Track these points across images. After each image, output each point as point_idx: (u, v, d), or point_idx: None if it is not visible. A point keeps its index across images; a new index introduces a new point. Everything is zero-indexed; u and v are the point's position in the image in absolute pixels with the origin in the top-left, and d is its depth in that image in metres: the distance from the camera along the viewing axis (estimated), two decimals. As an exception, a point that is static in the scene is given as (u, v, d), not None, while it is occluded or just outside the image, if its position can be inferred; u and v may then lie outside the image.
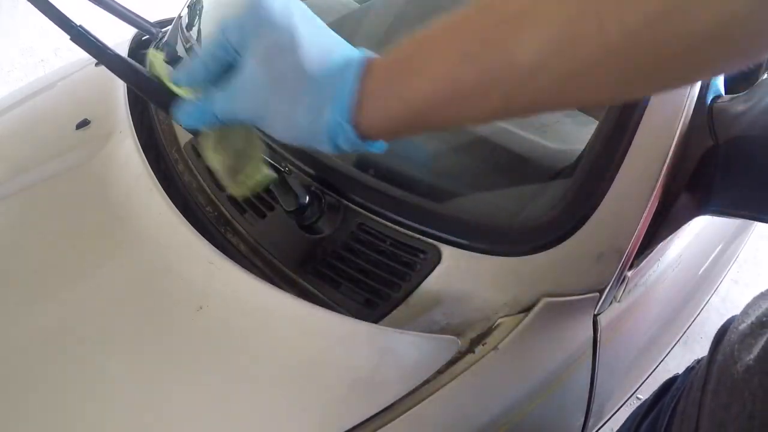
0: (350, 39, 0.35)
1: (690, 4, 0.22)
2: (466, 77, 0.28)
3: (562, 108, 0.34)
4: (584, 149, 0.49)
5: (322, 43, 0.33)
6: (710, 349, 0.34)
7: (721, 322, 0.38)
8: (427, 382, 0.43)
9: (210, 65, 0.35)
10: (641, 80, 0.26)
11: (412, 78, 0.30)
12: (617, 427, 0.56)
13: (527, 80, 0.27)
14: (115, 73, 0.42)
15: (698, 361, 0.38)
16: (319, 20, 0.35)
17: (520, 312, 0.47)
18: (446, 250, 0.48)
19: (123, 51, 0.90)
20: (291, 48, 0.32)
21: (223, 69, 0.36)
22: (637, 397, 1.16)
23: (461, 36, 0.28)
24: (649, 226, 0.48)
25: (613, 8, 0.23)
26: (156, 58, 0.42)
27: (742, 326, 0.31)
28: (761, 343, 0.27)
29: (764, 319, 0.29)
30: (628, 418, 0.53)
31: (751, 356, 0.27)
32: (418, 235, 0.50)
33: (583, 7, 0.24)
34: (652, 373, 0.84)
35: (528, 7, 0.26)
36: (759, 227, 1.36)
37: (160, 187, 0.58)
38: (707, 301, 1.00)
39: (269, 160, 0.46)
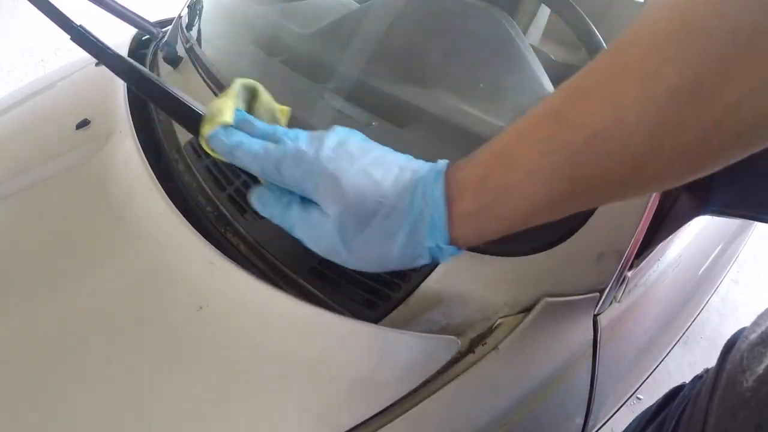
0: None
1: (756, 97, 0.24)
2: (559, 193, 0.29)
3: (652, 192, 0.37)
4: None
5: (394, 171, 0.34)
6: (719, 357, 0.34)
7: (721, 322, 0.38)
8: (427, 382, 0.43)
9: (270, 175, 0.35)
10: (718, 163, 0.28)
11: (505, 200, 0.30)
12: (618, 428, 0.56)
13: (617, 186, 0.28)
14: (115, 73, 0.42)
15: (707, 370, 0.37)
16: (378, 146, 0.35)
17: (520, 312, 0.47)
18: (446, 250, 0.48)
19: (123, 51, 0.90)
20: (371, 189, 0.33)
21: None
22: (637, 397, 1.16)
23: (546, 154, 0.28)
24: (649, 226, 0.48)
25: (689, 115, 0.25)
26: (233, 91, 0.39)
27: (753, 336, 0.31)
28: None
29: None
30: (631, 423, 0.53)
31: (762, 366, 0.27)
32: (418, 235, 0.50)
33: (663, 119, 0.25)
34: (652, 373, 0.85)
35: (609, 125, 0.26)
36: (759, 227, 1.36)
37: (160, 187, 0.58)
38: (707, 302, 1.00)
39: None
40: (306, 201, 0.36)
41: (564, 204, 0.30)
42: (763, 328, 0.31)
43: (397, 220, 0.32)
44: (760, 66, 0.23)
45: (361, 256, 0.34)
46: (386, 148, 0.36)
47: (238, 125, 0.37)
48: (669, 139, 0.26)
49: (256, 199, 0.38)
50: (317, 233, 0.35)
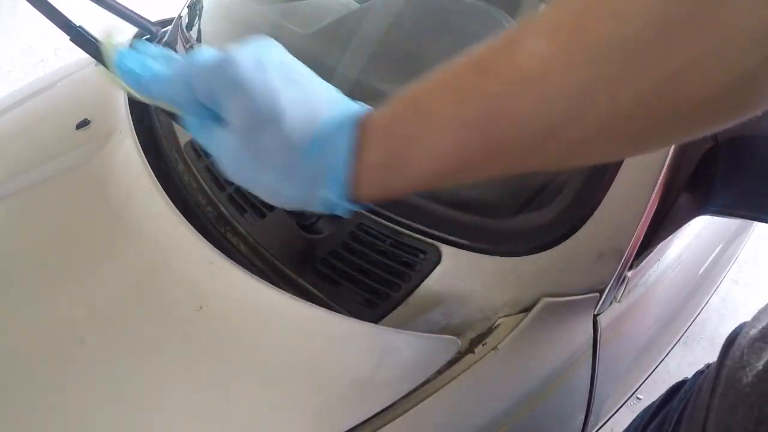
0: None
1: (699, 68, 0.21)
2: (472, 149, 0.27)
3: (572, 166, 0.33)
4: (584, 149, 0.49)
5: (306, 108, 0.30)
6: (720, 353, 0.34)
7: (721, 322, 0.38)
8: (427, 382, 0.43)
9: (181, 96, 0.32)
10: (652, 140, 0.26)
11: (413, 152, 0.28)
12: (618, 428, 0.56)
13: (536, 149, 0.26)
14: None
15: (708, 366, 0.37)
16: (300, 69, 0.31)
17: (520, 312, 0.47)
18: (446, 250, 0.48)
19: (123, 51, 0.90)
20: (271, 117, 0.29)
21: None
22: (637, 397, 1.16)
23: (462, 103, 0.26)
24: (649, 226, 0.48)
25: (624, 76, 0.22)
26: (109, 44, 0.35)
27: (753, 331, 0.31)
28: None
29: None
30: (633, 421, 0.53)
31: (761, 362, 0.27)
32: (418, 235, 0.50)
33: (594, 76, 0.23)
34: (651, 373, 0.85)
35: (535, 76, 0.24)
36: (759, 227, 1.36)
37: (160, 187, 0.58)
38: (707, 302, 1.00)
39: None
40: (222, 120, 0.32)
41: (475, 164, 0.27)
42: (763, 324, 0.31)
43: (295, 161, 0.29)
44: (710, 31, 0.20)
45: (257, 186, 0.31)
46: (311, 73, 0.32)
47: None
48: (595, 102, 0.23)
49: (184, 123, 0.34)
50: (223, 153, 0.31)
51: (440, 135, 0.27)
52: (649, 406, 0.50)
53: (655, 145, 0.27)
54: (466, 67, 0.27)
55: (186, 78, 0.31)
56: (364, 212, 0.52)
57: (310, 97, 0.30)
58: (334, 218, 0.53)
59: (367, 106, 0.31)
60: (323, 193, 0.30)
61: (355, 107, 0.30)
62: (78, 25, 0.41)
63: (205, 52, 0.31)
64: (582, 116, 0.24)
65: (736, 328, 0.37)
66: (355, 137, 0.28)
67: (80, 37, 0.41)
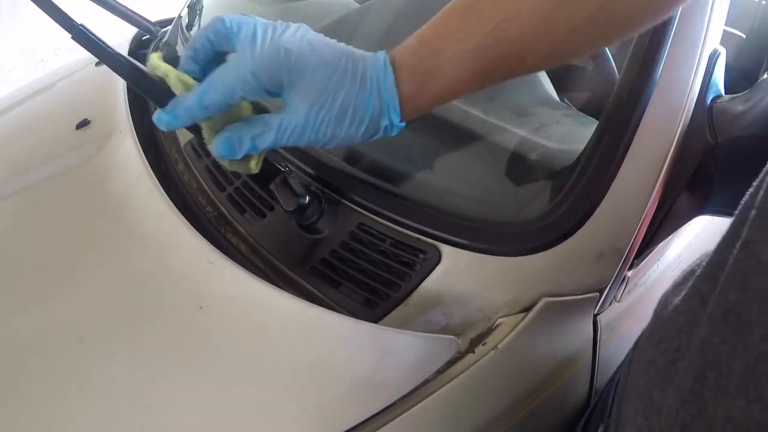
0: (350, 39, 0.35)
1: None
2: (475, 70, 0.37)
3: (549, 66, 0.44)
4: (584, 149, 0.49)
5: (352, 65, 0.38)
6: (655, 307, 0.35)
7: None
8: (427, 382, 0.43)
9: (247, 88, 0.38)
10: (601, 41, 0.38)
11: (435, 81, 0.37)
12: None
13: (521, 61, 0.37)
14: (116, 72, 0.42)
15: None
16: (327, 40, 0.39)
17: (520, 312, 0.47)
18: (446, 250, 0.48)
19: (124, 50, 0.90)
20: (335, 84, 0.37)
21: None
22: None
23: (462, 39, 0.36)
24: (649, 226, 0.48)
25: (576, 3, 0.34)
26: (158, 61, 0.41)
27: (678, 278, 0.33)
28: (688, 284, 0.28)
29: (694, 267, 0.31)
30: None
31: (679, 298, 0.29)
32: (418, 235, 0.50)
33: (555, 7, 0.34)
34: (652, 373, 0.84)
35: (511, 15, 0.35)
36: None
37: (160, 187, 0.58)
38: (707, 302, 1.00)
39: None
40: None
41: (482, 78, 0.38)
42: (685, 269, 0.33)
43: (361, 109, 0.38)
44: None
45: (333, 142, 0.39)
46: (334, 41, 0.40)
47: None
48: (558, 25, 0.34)
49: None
50: (294, 130, 0.38)
51: (451, 65, 0.37)
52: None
53: (604, 43, 0.40)
54: (459, 10, 0.37)
55: (246, 71, 0.37)
56: (364, 212, 0.52)
57: (350, 56, 0.38)
58: (334, 218, 0.53)
59: (383, 52, 0.39)
60: (385, 122, 0.39)
61: (381, 54, 0.39)
62: (80, 23, 0.41)
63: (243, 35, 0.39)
64: (549, 35, 0.35)
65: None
66: (393, 80, 0.38)
67: (82, 36, 0.41)
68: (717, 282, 0.24)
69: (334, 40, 0.39)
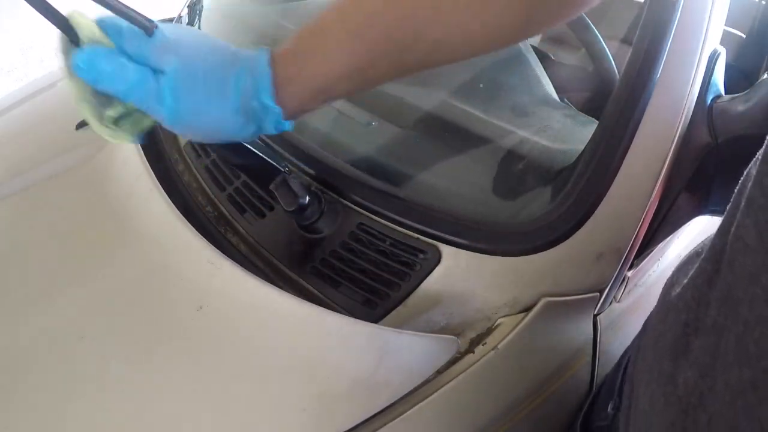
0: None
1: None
2: (357, 52, 0.35)
3: (441, 63, 0.40)
4: (584, 149, 0.49)
5: (225, 50, 0.37)
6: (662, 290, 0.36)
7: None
8: (427, 382, 0.43)
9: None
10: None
11: (314, 61, 0.36)
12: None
13: (408, 49, 0.35)
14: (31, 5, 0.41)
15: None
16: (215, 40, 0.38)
17: (520, 312, 0.47)
18: (446, 250, 0.48)
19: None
20: (206, 58, 0.36)
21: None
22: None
23: (345, 17, 0.35)
24: (649, 226, 0.48)
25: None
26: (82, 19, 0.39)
27: (682, 262, 0.35)
28: (694, 265, 0.29)
29: (698, 250, 0.32)
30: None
31: (687, 278, 0.30)
32: (417, 235, 0.50)
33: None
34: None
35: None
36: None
37: (160, 187, 0.58)
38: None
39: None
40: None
41: (364, 65, 0.36)
42: (691, 252, 0.34)
43: (230, 82, 0.36)
44: None
45: (201, 119, 0.37)
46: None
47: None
48: (444, 10, 0.34)
49: (86, 57, 0.37)
50: (150, 96, 0.36)
51: (333, 44, 0.35)
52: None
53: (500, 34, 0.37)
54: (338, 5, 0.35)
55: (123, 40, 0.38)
56: (364, 212, 0.52)
57: (229, 49, 0.37)
58: (334, 218, 0.53)
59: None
60: (255, 103, 0.36)
61: (266, 49, 0.37)
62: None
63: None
64: (437, 21, 0.34)
65: None
66: (268, 60, 0.36)
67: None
68: (720, 264, 0.26)
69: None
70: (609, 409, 0.43)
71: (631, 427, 0.33)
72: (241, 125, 0.38)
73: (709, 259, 0.27)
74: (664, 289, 0.34)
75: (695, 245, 0.34)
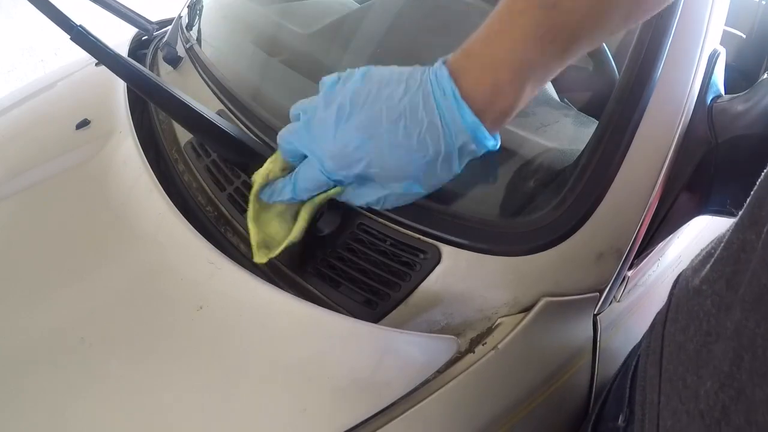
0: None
1: None
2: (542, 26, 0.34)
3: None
4: (584, 149, 0.49)
5: (391, 78, 0.38)
6: (670, 289, 0.35)
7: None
8: (427, 382, 0.43)
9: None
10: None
11: (491, 45, 0.35)
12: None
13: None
14: (114, 73, 0.42)
15: (657, 313, 0.39)
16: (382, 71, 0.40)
17: (520, 312, 0.47)
18: (446, 250, 0.48)
19: (123, 51, 0.90)
20: (381, 104, 0.37)
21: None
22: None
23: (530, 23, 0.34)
24: (649, 226, 0.48)
25: None
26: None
27: (695, 261, 0.34)
28: (709, 266, 0.28)
29: (711, 250, 0.31)
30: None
31: (701, 280, 0.29)
32: (418, 235, 0.50)
33: None
34: (652, 373, 0.84)
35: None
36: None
37: (160, 187, 0.58)
38: (707, 302, 1.00)
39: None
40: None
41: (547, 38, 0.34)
42: (702, 253, 0.33)
43: (416, 115, 0.36)
44: None
45: (401, 167, 0.38)
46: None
47: None
48: None
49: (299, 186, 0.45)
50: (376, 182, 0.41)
51: (507, 27, 0.34)
52: (619, 368, 0.51)
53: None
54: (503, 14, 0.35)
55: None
56: (364, 212, 0.52)
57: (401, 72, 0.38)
58: (334, 218, 0.53)
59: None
60: (451, 118, 0.36)
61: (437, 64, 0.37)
62: (78, 24, 0.41)
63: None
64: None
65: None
66: (446, 69, 0.36)
67: (81, 37, 0.41)
68: (740, 263, 0.24)
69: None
70: (620, 422, 0.42)
71: None
72: (441, 150, 0.38)
73: (728, 260, 0.26)
74: (674, 288, 0.33)
75: (704, 245, 0.33)
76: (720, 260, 0.27)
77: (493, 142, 0.38)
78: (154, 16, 0.99)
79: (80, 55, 0.63)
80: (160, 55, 0.88)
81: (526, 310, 0.46)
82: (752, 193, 0.26)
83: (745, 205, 0.26)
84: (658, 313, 0.36)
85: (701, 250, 0.33)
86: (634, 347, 0.48)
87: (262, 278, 0.48)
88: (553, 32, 0.34)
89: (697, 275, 0.30)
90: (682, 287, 0.33)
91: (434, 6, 0.75)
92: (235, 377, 0.43)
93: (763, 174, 0.26)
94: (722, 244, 0.27)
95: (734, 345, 0.24)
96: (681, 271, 0.36)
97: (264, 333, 0.45)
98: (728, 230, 0.27)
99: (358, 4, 0.88)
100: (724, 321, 0.25)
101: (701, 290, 0.29)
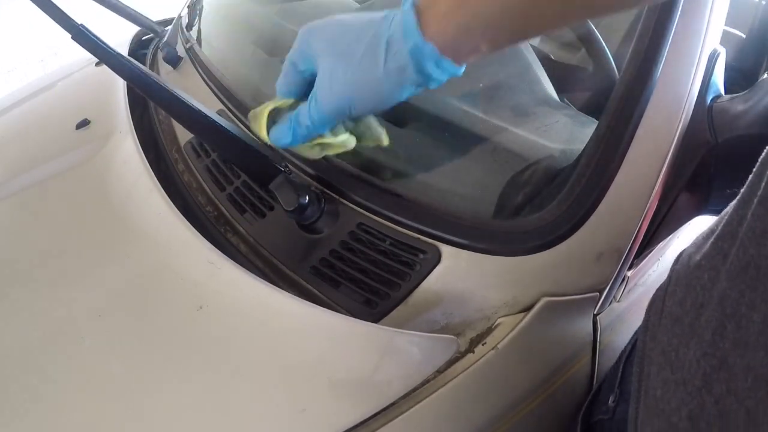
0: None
1: None
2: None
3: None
4: (584, 149, 0.49)
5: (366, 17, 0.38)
6: (671, 266, 0.35)
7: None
8: (427, 382, 0.43)
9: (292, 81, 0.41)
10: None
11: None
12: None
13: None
14: (115, 72, 0.42)
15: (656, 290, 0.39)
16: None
17: (519, 312, 0.47)
18: (446, 250, 0.48)
19: (123, 51, 0.90)
20: (350, 32, 0.38)
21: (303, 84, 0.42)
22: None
23: None
24: (649, 226, 0.48)
25: None
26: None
27: (698, 238, 0.34)
28: (709, 242, 0.28)
29: (713, 227, 0.31)
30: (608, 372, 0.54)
31: (700, 256, 0.29)
32: (417, 235, 0.50)
33: None
34: (652, 373, 0.84)
35: None
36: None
37: (160, 187, 0.58)
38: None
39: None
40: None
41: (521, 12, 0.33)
42: (704, 230, 0.33)
43: (376, 39, 0.36)
44: None
45: (364, 87, 0.37)
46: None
47: None
48: None
49: (276, 139, 0.43)
50: (327, 93, 0.38)
51: None
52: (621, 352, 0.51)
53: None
54: None
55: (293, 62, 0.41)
56: (364, 212, 0.52)
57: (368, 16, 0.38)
58: (334, 218, 0.53)
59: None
60: (405, 45, 0.35)
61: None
62: (79, 23, 0.41)
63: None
64: None
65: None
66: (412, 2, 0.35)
67: (81, 36, 0.41)
68: (737, 238, 0.24)
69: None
70: (610, 402, 0.42)
71: (641, 412, 0.31)
72: (400, 80, 0.36)
73: (726, 236, 0.26)
74: (674, 264, 0.33)
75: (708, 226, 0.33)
76: (720, 237, 0.27)
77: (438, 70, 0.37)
78: (154, 16, 0.99)
79: (80, 55, 0.63)
80: (160, 55, 0.88)
81: (526, 309, 0.46)
82: (754, 169, 0.26)
83: (746, 183, 0.26)
84: (658, 289, 0.36)
85: (707, 227, 0.33)
86: (636, 330, 0.48)
87: (262, 278, 0.48)
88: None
89: (699, 251, 0.30)
90: (684, 263, 0.33)
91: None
92: (234, 377, 0.43)
93: (765, 150, 0.25)
94: (723, 221, 0.27)
95: (717, 314, 0.24)
96: (683, 250, 0.36)
97: (264, 333, 0.45)
98: (729, 207, 0.27)
99: (358, 5, 0.88)
100: (711, 291, 0.25)
101: (700, 265, 0.29)
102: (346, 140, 0.44)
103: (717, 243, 0.27)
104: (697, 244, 0.32)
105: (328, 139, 0.43)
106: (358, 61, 0.37)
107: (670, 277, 0.34)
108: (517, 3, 0.33)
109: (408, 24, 0.35)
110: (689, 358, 0.26)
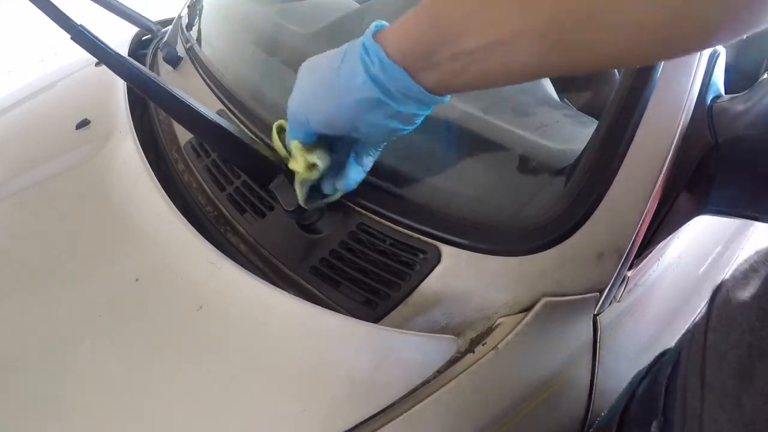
0: (351, 39, 0.35)
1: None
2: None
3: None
4: (584, 149, 0.49)
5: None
6: (709, 300, 0.35)
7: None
8: (427, 382, 0.43)
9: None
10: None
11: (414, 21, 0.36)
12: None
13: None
14: (115, 72, 0.42)
15: (694, 324, 0.39)
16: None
17: (520, 312, 0.47)
18: (446, 250, 0.48)
19: (123, 51, 0.90)
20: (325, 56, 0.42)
21: None
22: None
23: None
24: (649, 226, 0.48)
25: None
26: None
27: (737, 273, 0.34)
28: (755, 282, 0.29)
29: (755, 265, 0.32)
30: (621, 394, 0.53)
31: (746, 294, 0.29)
32: (417, 235, 0.50)
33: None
34: (652, 373, 0.84)
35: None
36: (759, 227, 1.36)
37: (160, 187, 0.58)
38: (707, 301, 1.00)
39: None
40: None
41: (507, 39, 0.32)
42: (745, 266, 0.34)
43: (338, 53, 0.39)
44: None
45: (325, 107, 0.40)
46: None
47: None
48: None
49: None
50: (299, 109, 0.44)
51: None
52: (637, 374, 0.51)
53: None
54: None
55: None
56: (364, 212, 0.52)
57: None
58: (334, 218, 0.53)
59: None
60: (366, 67, 0.37)
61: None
62: (79, 24, 0.41)
63: None
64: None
65: (720, 282, 0.39)
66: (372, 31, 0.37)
67: (81, 36, 0.41)
68: None
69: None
70: (653, 428, 0.41)
71: None
72: (360, 91, 0.38)
73: None
74: (719, 304, 0.33)
75: (750, 252, 0.33)
76: None
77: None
78: (154, 16, 0.99)
79: (80, 55, 0.63)
80: (160, 55, 0.88)
81: (526, 309, 0.46)
82: None
83: None
84: (697, 324, 0.36)
85: (744, 261, 0.34)
86: (657, 358, 0.48)
87: (262, 278, 0.48)
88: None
89: (742, 289, 0.30)
90: (725, 298, 0.33)
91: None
92: (234, 377, 0.43)
93: None
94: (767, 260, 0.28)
95: None
96: (721, 281, 0.36)
97: (264, 333, 0.45)
98: None
99: (358, 4, 0.88)
100: (761, 332, 0.26)
101: (746, 302, 0.29)
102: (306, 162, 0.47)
103: (765, 283, 0.28)
104: (737, 279, 0.33)
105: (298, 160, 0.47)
106: (320, 72, 0.41)
107: (709, 315, 0.34)
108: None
109: (366, 36, 0.38)
110: (753, 403, 0.26)
